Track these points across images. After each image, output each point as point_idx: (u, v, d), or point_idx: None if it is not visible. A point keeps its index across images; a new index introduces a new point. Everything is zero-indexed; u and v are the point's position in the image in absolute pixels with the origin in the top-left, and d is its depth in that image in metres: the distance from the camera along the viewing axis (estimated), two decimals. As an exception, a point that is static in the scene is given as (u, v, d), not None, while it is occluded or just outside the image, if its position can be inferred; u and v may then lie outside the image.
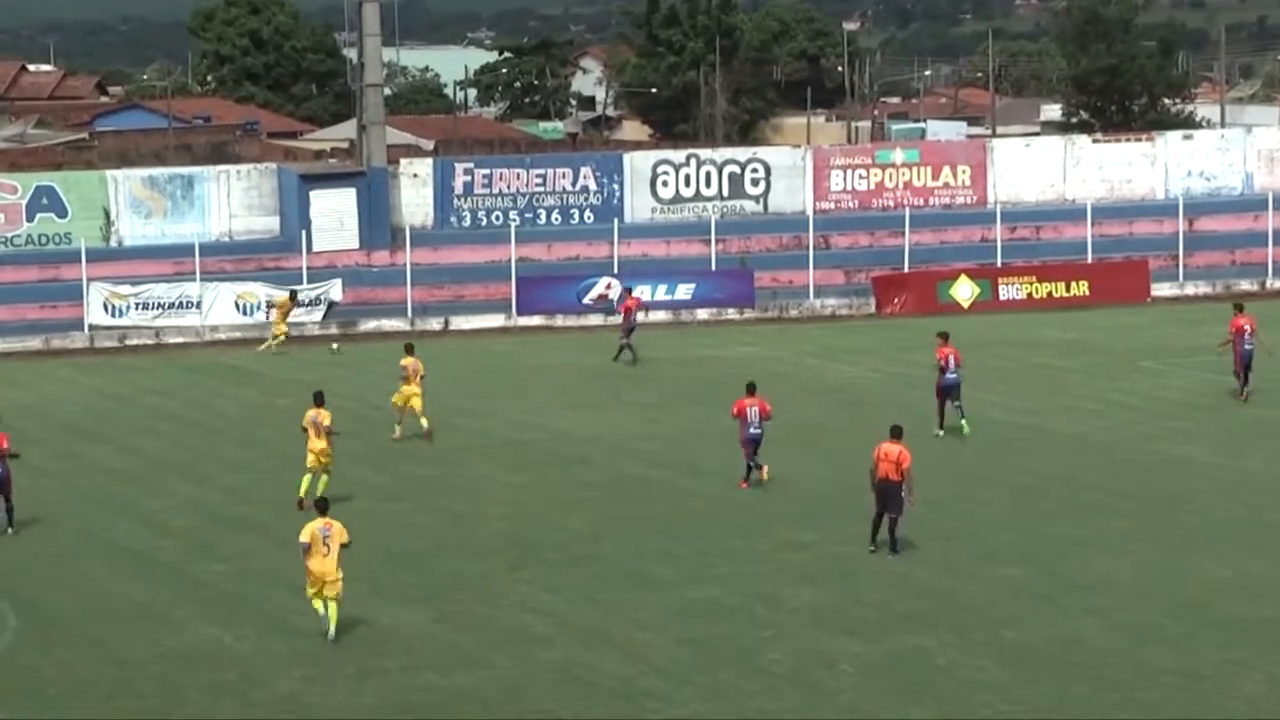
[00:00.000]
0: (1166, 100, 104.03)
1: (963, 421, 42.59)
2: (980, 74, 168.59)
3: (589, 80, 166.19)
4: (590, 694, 25.68)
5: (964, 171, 70.16)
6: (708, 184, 68.42)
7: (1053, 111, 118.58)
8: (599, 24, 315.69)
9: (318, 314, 62.30)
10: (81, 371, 56.15)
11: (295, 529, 29.09)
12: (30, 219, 63.30)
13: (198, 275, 61.86)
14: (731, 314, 64.75)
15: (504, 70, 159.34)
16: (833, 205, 69.14)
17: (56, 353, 59.78)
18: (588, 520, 35.46)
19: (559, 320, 63.77)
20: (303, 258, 62.76)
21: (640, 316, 56.90)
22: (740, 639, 27.83)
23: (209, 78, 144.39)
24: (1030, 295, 65.55)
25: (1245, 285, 67.45)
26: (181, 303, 61.60)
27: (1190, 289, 67.59)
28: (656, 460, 41.02)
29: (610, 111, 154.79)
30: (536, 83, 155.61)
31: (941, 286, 65.24)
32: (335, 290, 62.91)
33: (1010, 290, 65.60)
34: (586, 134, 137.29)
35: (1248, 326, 46.28)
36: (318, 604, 28.05)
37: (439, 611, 29.55)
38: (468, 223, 66.63)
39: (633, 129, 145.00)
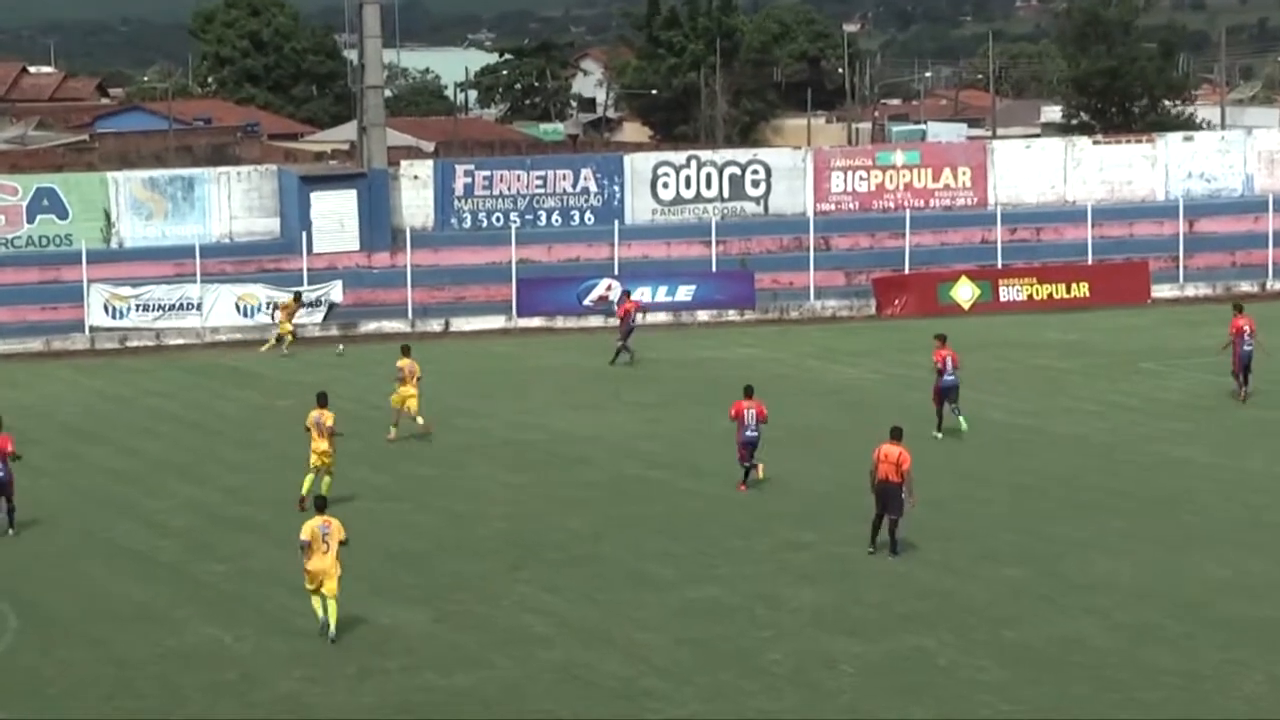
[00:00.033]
0: (1167, 102, 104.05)
1: (960, 419, 42.60)
2: (980, 76, 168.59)
3: (589, 82, 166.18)
4: (590, 694, 25.69)
5: (964, 173, 70.17)
6: (708, 185, 68.43)
7: (1053, 113, 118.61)
8: (599, 26, 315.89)
9: (318, 315, 62.30)
10: (82, 373, 56.16)
11: (295, 529, 29.11)
12: (31, 220, 63.31)
13: (198, 277, 61.87)
14: (732, 315, 64.76)
15: (504, 72, 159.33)
16: (833, 207, 69.15)
17: (57, 354, 59.79)
18: (588, 520, 35.47)
19: (559, 322, 63.79)
20: (303, 259, 62.77)
21: (640, 318, 56.85)
22: (740, 639, 27.84)
23: (209, 79, 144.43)
24: (1031, 297, 65.55)
25: (1245, 287, 67.41)
26: (182, 304, 61.61)
27: (1190, 290, 67.59)
28: (656, 461, 41.04)
29: (611, 113, 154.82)
30: (537, 84, 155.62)
31: (942, 288, 65.24)
32: (336, 292, 62.91)
33: (1011, 292, 65.60)
34: (587, 136, 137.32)
35: (1247, 327, 46.28)
36: (316, 603, 28.10)
37: (439, 611, 29.57)
38: (468, 224, 66.65)
39: (633, 130, 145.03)
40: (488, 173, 67.45)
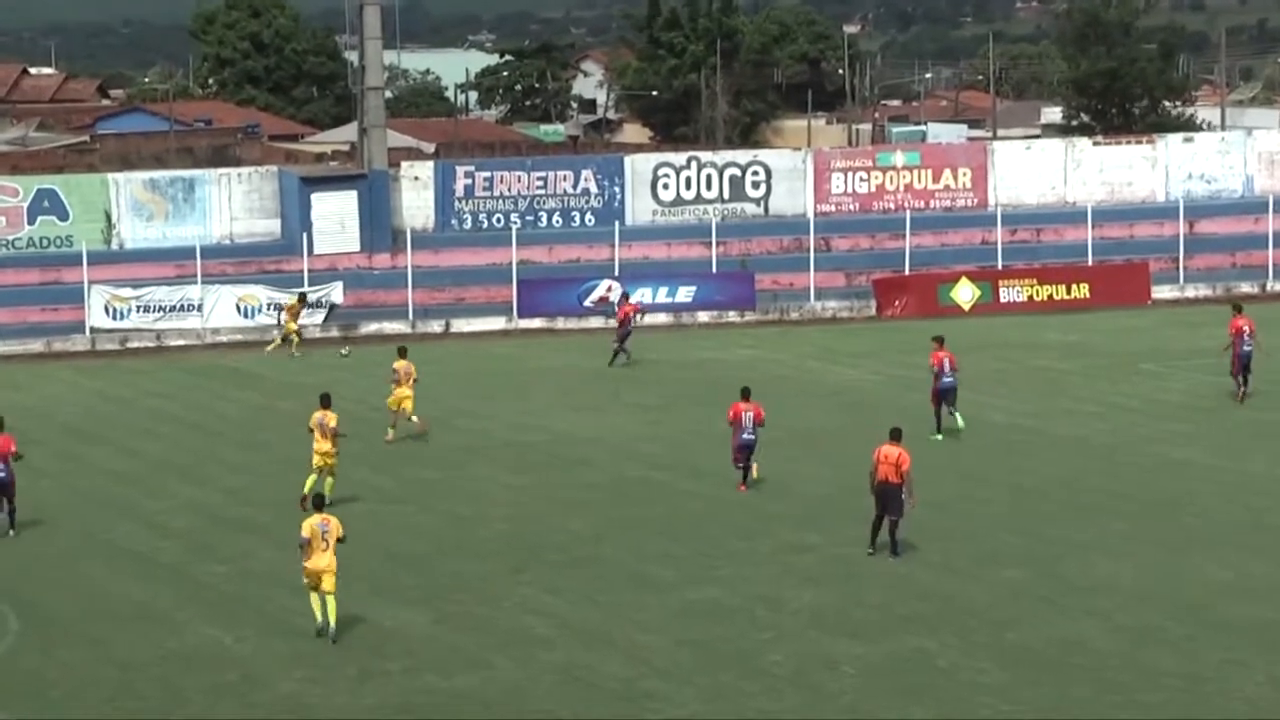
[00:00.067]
0: (1167, 103, 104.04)
1: (956, 415, 42.59)
2: (981, 77, 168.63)
3: (590, 83, 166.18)
4: (591, 695, 25.70)
5: (965, 174, 70.18)
6: (708, 186, 68.44)
7: (1053, 114, 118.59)
8: (600, 27, 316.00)
9: (319, 316, 62.31)
10: (83, 374, 56.17)
11: (296, 530, 29.09)
12: (32, 222, 63.33)
13: (199, 278, 61.88)
14: (732, 316, 64.77)
15: (505, 73, 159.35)
16: (833, 208, 69.15)
17: (58, 355, 59.81)
18: (589, 522, 35.48)
19: (560, 323, 63.79)
20: (304, 260, 62.78)
21: (639, 319, 56.69)
22: (741, 640, 27.85)
23: (210, 81, 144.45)
24: (1031, 298, 65.56)
25: (1245, 288, 67.40)
26: (183, 305, 61.64)
27: (1191, 291, 67.59)
28: (657, 462, 41.04)
29: (611, 114, 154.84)
30: (537, 85, 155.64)
31: (942, 289, 65.25)
32: (336, 293, 62.94)
33: (1011, 293, 65.61)
34: (587, 137, 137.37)
35: (1246, 328, 46.31)
36: (314, 602, 28.14)
37: (440, 613, 29.57)
38: (469, 225, 66.66)
39: (633, 132, 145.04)
40: (488, 174, 67.47)
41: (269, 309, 61.53)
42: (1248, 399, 46.35)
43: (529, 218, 66.71)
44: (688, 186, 68.30)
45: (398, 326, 62.62)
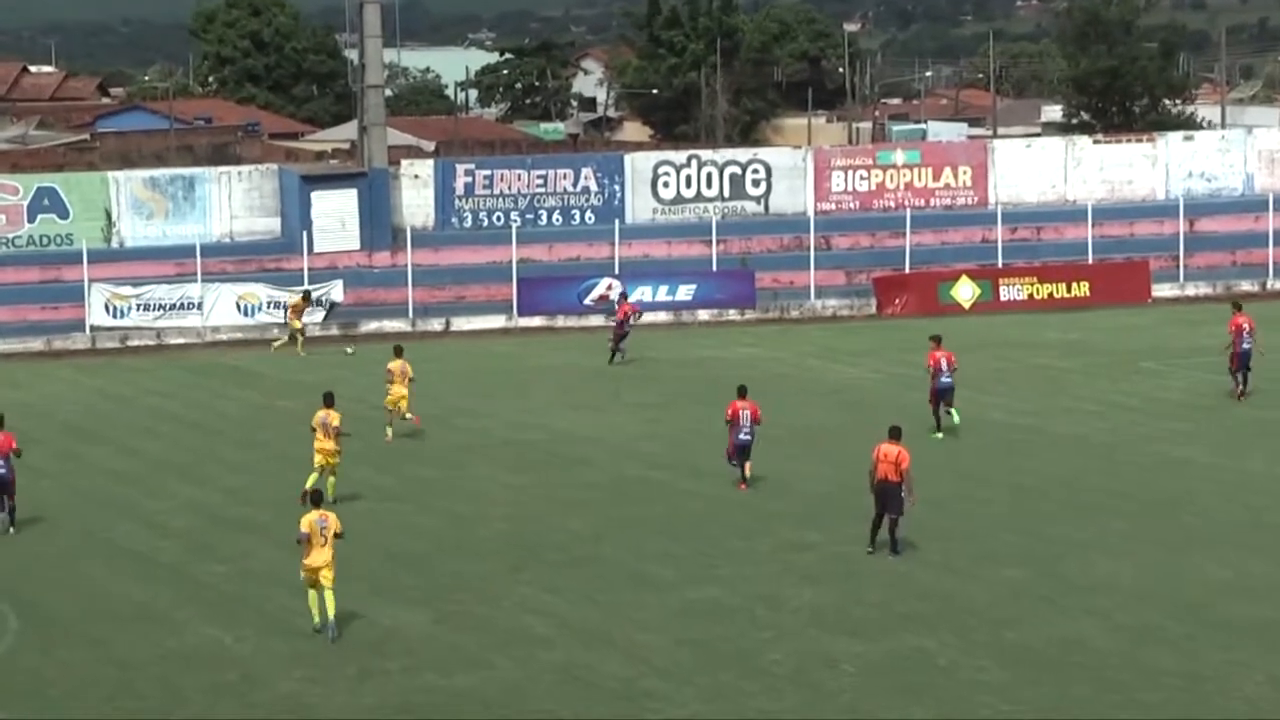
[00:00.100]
0: (1167, 101, 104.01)
1: (952, 412, 42.56)
2: (981, 75, 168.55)
3: (590, 81, 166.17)
4: (591, 695, 25.70)
5: (965, 172, 70.17)
6: (709, 185, 68.43)
7: (1053, 113, 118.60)
8: (600, 25, 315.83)
9: (319, 315, 62.30)
10: (83, 372, 56.17)
11: (296, 528, 29.10)
12: (32, 220, 63.34)
13: (199, 276, 61.90)
14: (732, 315, 64.77)
15: (505, 71, 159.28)
16: (834, 206, 69.15)
17: (58, 354, 59.81)
18: (588, 521, 35.47)
19: (560, 321, 63.80)
20: (304, 259, 62.78)
21: (635, 319, 56.61)
22: (741, 640, 27.85)
23: (210, 79, 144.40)
24: (1031, 296, 65.57)
25: (1246, 286, 67.42)
26: (183, 304, 61.64)
27: (1191, 290, 67.60)
28: (657, 461, 41.04)
29: (611, 112, 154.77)
30: (537, 84, 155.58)
31: (942, 287, 65.26)
32: (337, 291, 62.94)
33: (1011, 291, 65.62)
34: (587, 135, 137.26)
35: (1246, 325, 46.33)
36: (312, 600, 28.16)
37: (440, 612, 29.57)
38: (469, 224, 66.66)
39: (634, 130, 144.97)
40: (488, 172, 67.46)
41: (270, 307, 61.55)
42: (1247, 397, 46.36)
43: (529, 216, 66.71)
44: (688, 185, 68.29)
45: (398, 325, 62.62)
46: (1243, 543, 33.07)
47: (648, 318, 58.87)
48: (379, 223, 64.81)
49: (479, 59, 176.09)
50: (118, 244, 63.90)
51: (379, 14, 66.80)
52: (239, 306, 61.87)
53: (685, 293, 64.68)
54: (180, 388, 52.96)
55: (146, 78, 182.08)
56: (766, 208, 68.88)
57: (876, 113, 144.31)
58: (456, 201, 66.59)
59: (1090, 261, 67.27)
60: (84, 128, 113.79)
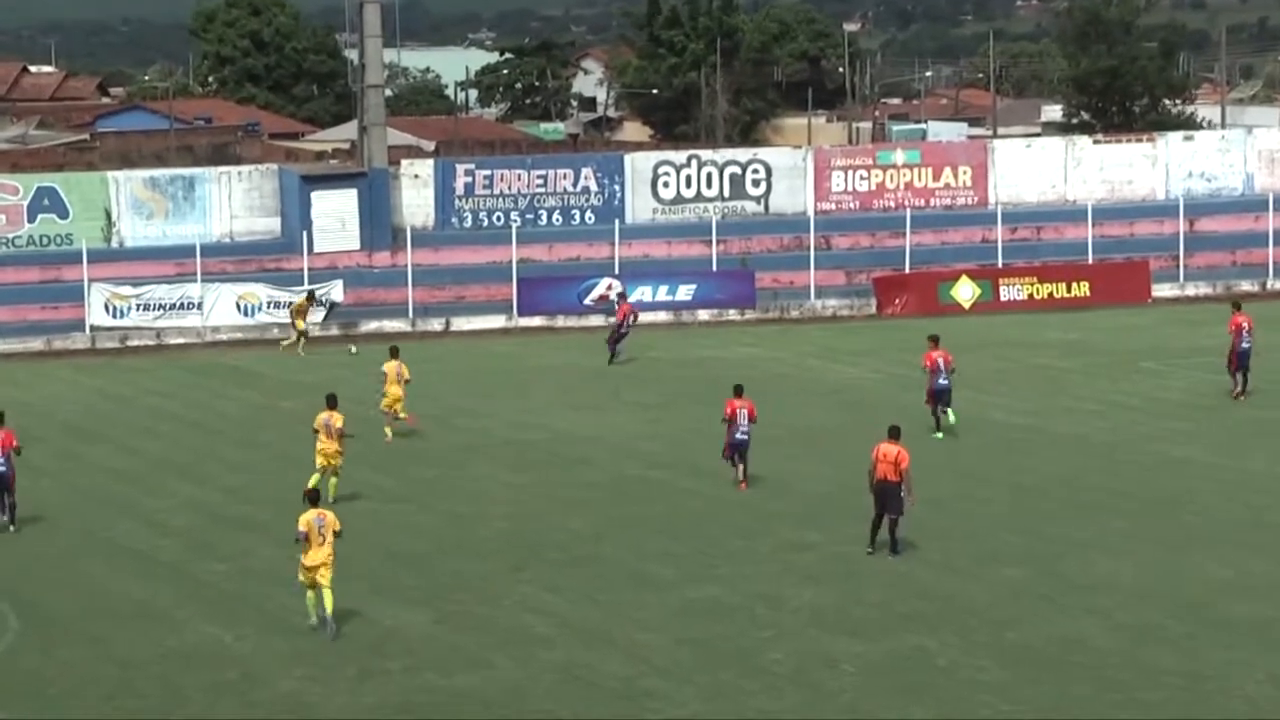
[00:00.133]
0: (1167, 101, 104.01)
1: (949, 412, 42.56)
2: (981, 75, 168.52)
3: (590, 81, 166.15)
4: (591, 694, 25.70)
5: (965, 172, 70.16)
6: (709, 185, 68.41)
7: (1053, 112, 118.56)
8: (600, 25, 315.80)
9: (319, 315, 62.29)
10: (82, 372, 56.16)
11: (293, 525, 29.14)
12: (32, 220, 63.32)
13: (199, 276, 61.88)
14: (732, 315, 64.76)
15: (505, 71, 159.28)
16: (834, 206, 69.13)
17: (58, 353, 59.80)
18: (589, 521, 35.48)
19: (560, 321, 63.79)
20: (304, 259, 62.77)
21: (633, 320, 56.54)
22: (741, 639, 27.85)
23: (210, 79, 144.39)
24: (1031, 296, 65.56)
25: (1246, 286, 67.41)
26: (183, 304, 61.63)
27: (1191, 290, 67.59)
28: (657, 461, 41.04)
29: (611, 112, 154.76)
30: (537, 84, 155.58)
31: (942, 287, 65.24)
32: (337, 291, 62.93)
33: (1011, 291, 65.61)
34: (587, 135, 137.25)
35: (1245, 324, 46.36)
36: (310, 599, 28.17)
37: (440, 612, 29.57)
38: (469, 224, 66.64)
39: (634, 130, 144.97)
40: (488, 172, 67.45)
41: (270, 307, 61.55)
42: (1247, 396, 46.36)
43: (529, 216, 66.70)
44: (688, 185, 68.28)
45: (398, 325, 62.62)
46: (1243, 542, 33.07)
47: (649, 318, 58.89)
48: (379, 223, 64.80)
49: (479, 59, 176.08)
50: (118, 244, 63.89)
51: (379, 14, 66.79)
52: (239, 306, 61.86)
53: (685, 293, 64.67)
54: (180, 388, 52.95)
55: (146, 78, 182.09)
56: (766, 208, 68.87)
57: (876, 113, 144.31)
58: (456, 201, 66.58)
59: (1090, 261, 67.26)
60: (84, 128, 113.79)
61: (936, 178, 69.81)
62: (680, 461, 40.69)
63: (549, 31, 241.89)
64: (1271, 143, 73.17)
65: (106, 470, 41.45)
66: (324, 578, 28.01)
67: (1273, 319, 54.50)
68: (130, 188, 64.49)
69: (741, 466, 37.63)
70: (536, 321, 63.65)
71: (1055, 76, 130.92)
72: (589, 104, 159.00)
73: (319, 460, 36.40)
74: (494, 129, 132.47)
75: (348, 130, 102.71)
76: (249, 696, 25.82)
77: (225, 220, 64.82)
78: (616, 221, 65.96)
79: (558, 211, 67.06)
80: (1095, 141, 74.10)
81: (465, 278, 64.46)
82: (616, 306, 57.41)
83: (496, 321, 63.68)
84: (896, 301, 64.93)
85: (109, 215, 63.84)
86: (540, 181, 67.09)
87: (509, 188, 66.90)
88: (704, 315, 64.49)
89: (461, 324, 63.45)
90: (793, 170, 69.08)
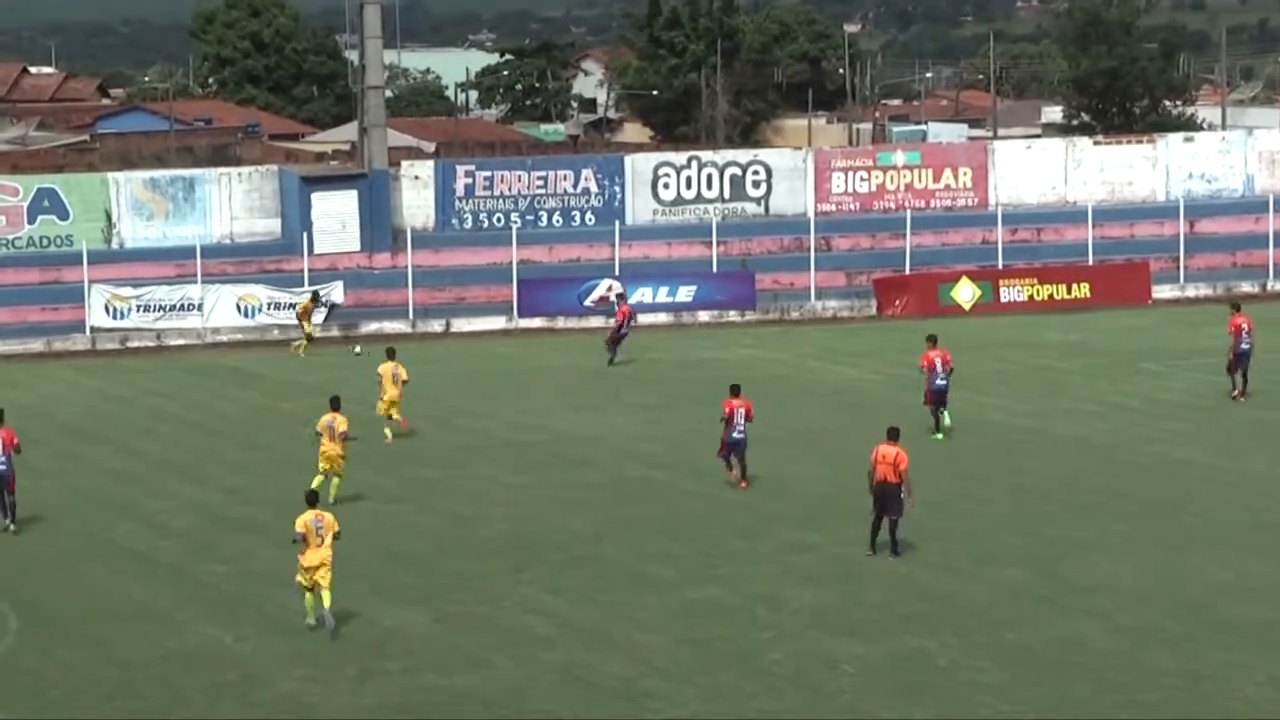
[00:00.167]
0: (1167, 102, 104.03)
1: (944, 413, 42.58)
2: (981, 76, 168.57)
3: (590, 82, 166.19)
4: (591, 695, 25.71)
5: (965, 174, 70.16)
6: (709, 186, 68.42)
7: (1054, 114, 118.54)
8: (600, 26, 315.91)
9: (319, 316, 62.28)
10: (83, 373, 56.17)
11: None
12: (32, 221, 63.31)
13: (199, 277, 61.88)
14: (732, 316, 64.77)
15: (505, 72, 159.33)
16: (834, 207, 69.13)
17: (58, 355, 59.80)
18: (589, 521, 35.48)
19: (560, 322, 63.79)
20: (304, 260, 62.78)
21: (632, 322, 56.53)
22: (741, 640, 27.86)
23: (210, 80, 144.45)
24: (1031, 297, 65.56)
25: (1246, 287, 67.39)
26: (183, 305, 61.63)
27: (1191, 291, 67.59)
28: (658, 462, 41.05)
29: (611, 114, 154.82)
30: (538, 85, 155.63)
31: (943, 289, 65.24)
32: (337, 292, 62.93)
33: (1011, 292, 65.61)
34: (588, 136, 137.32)
35: (1245, 325, 46.37)
36: (309, 599, 28.19)
37: (440, 612, 29.58)
38: (469, 225, 66.65)
39: (634, 131, 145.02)
40: (488, 173, 67.45)
41: (270, 308, 61.56)
42: (1247, 397, 46.37)
43: (529, 217, 66.70)
44: (688, 186, 68.28)
45: (398, 326, 62.62)
46: (1243, 543, 33.08)
47: (649, 319, 58.90)
48: (379, 224, 64.80)
49: (479, 60, 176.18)
50: (118, 245, 63.89)
51: (379, 15, 66.77)
52: (239, 308, 61.86)
53: (685, 294, 64.68)
54: (180, 389, 52.96)
55: (146, 78, 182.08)
56: (767, 209, 68.87)
57: (877, 114, 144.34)
58: (457, 203, 66.58)
59: (1090, 263, 67.26)
60: (84, 129, 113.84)
61: (937, 179, 69.81)
62: (680, 462, 40.70)
63: (549, 33, 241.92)
64: (1272, 144, 73.16)
65: (107, 471, 41.46)
66: (323, 579, 28.07)
67: (1272, 320, 54.51)
68: (130, 189, 64.49)
69: (739, 466, 37.66)
70: (537, 323, 63.65)
71: (1055, 78, 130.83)
72: (589, 105, 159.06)
73: (321, 463, 36.45)
74: (494, 130, 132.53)
75: (348, 131, 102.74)
76: (249, 697, 25.83)
77: (225, 221, 64.83)
78: (617, 223, 65.96)
79: (558, 213, 67.07)
80: (1095, 143, 74.10)
81: (465, 279, 64.46)
82: (616, 308, 57.41)
83: (497, 323, 63.68)
84: (897, 303, 64.93)
85: (109, 216, 63.85)
86: (540, 183, 67.10)
87: (509, 189, 66.91)
88: (704, 316, 64.50)
89: (462, 325, 63.45)
90: (793, 171, 69.09)
